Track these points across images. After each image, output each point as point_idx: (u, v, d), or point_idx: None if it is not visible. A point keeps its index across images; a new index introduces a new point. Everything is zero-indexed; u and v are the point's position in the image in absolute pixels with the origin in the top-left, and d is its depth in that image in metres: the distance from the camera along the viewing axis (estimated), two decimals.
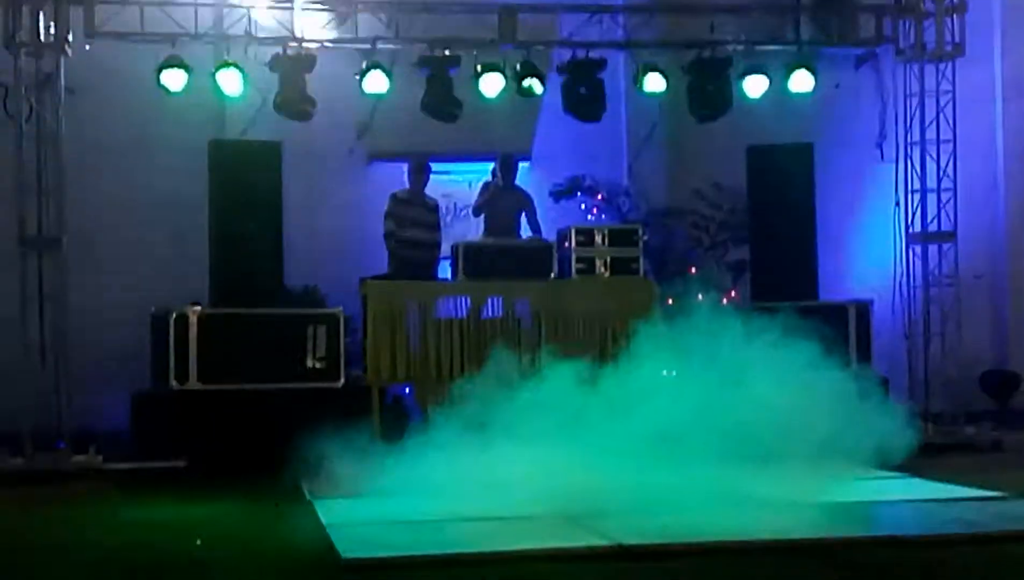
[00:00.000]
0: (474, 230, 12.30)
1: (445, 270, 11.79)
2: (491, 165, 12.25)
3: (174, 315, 10.36)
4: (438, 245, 11.81)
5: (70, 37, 10.56)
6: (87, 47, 10.81)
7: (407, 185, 11.87)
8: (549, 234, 11.77)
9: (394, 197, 11.74)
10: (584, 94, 11.99)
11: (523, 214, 12.02)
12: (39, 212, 10.29)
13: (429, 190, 11.95)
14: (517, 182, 12.19)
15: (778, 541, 6.33)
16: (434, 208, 11.90)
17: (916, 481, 8.42)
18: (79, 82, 11.02)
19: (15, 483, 9.57)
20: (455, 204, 12.49)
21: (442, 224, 12.07)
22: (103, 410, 10.86)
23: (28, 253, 10.29)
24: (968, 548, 6.32)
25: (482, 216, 12.08)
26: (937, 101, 12.34)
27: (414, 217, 11.66)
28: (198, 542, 6.92)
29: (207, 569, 6.17)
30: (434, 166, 12.09)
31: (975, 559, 6.07)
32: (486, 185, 12.11)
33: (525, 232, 12.03)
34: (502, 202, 11.97)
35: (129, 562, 6.38)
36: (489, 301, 10.93)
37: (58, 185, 10.34)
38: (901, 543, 6.38)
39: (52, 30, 10.40)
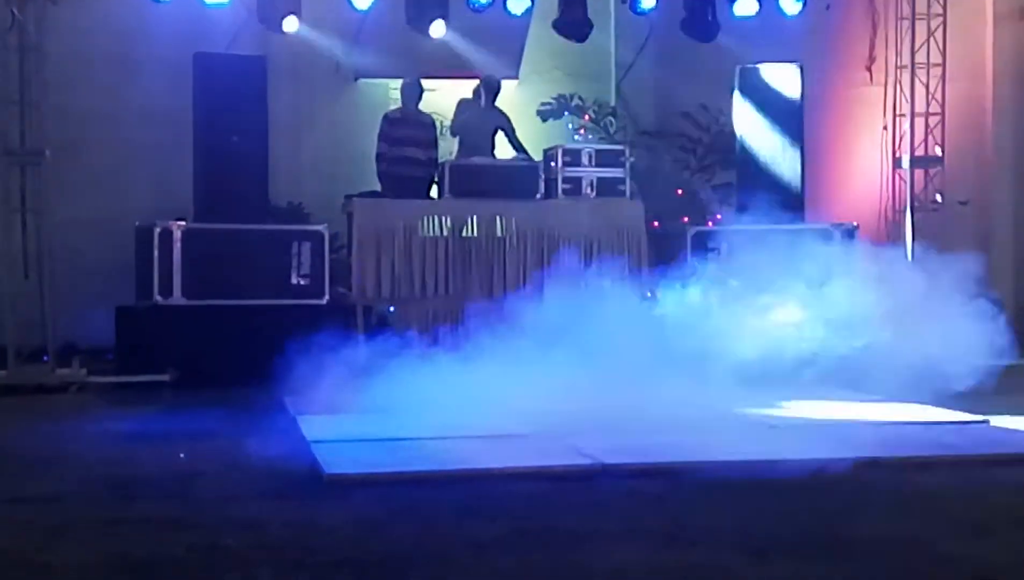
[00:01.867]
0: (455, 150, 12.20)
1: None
2: (475, 81, 12.14)
3: (158, 229, 10.33)
4: (434, 162, 11.62)
5: None
6: None
7: (400, 104, 11.76)
8: (535, 154, 11.71)
9: (386, 117, 11.63)
10: (572, 13, 11.89)
11: (501, 134, 11.90)
12: (21, 125, 10.20)
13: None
14: (503, 101, 12.09)
15: (757, 462, 6.37)
16: (430, 124, 11.78)
17: (896, 404, 8.47)
18: None
19: None
20: (441, 123, 12.38)
21: (438, 142, 11.95)
22: (87, 324, 10.83)
23: (10, 166, 10.21)
24: (946, 471, 6.37)
25: (458, 137, 11.97)
26: (928, 24, 12.29)
27: (407, 135, 11.55)
28: (181, 455, 6.95)
29: (190, 483, 6.20)
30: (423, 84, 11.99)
31: (952, 481, 6.12)
32: (463, 103, 11.99)
33: (502, 153, 11.91)
34: (479, 122, 11.85)
35: (113, 475, 6.40)
36: (474, 220, 10.90)
37: (41, 97, 10.24)
38: (878, 465, 6.43)
39: None
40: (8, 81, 10.16)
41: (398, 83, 11.86)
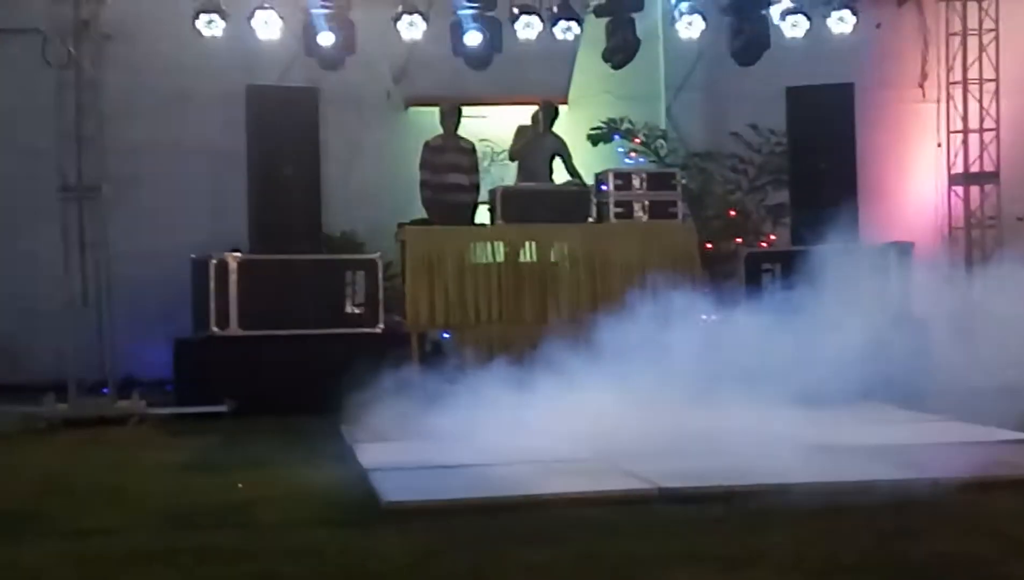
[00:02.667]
0: (512, 175, 12.24)
1: (483, 215, 11.75)
2: (527, 109, 12.16)
3: (214, 261, 10.42)
4: (476, 188, 11.71)
5: None
6: None
7: (440, 131, 11.82)
8: (587, 178, 11.71)
9: (427, 145, 11.68)
10: (620, 37, 11.91)
11: (558, 159, 11.94)
12: (79, 160, 10.32)
13: (468, 135, 11.90)
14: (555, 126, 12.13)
15: (816, 484, 6.31)
16: (471, 150, 11.82)
17: (956, 424, 8.37)
18: (117, 28, 11.03)
19: (61, 429, 9.68)
20: (492, 149, 12.43)
21: (480, 167, 12.00)
22: (146, 356, 10.96)
23: (69, 201, 10.33)
24: (1008, 491, 6.29)
25: (516, 161, 12.01)
26: (980, 39, 12.22)
27: (449, 162, 11.60)
28: (239, 486, 6.99)
29: (248, 513, 6.23)
30: (472, 111, 12.03)
31: (1015, 502, 6.04)
32: (521, 129, 12.03)
33: (559, 177, 11.95)
34: (537, 147, 11.89)
35: (172, 506, 6.45)
36: (527, 246, 10.91)
37: (97, 132, 10.36)
38: (939, 485, 6.34)
39: None
40: (65, 117, 10.30)
41: None
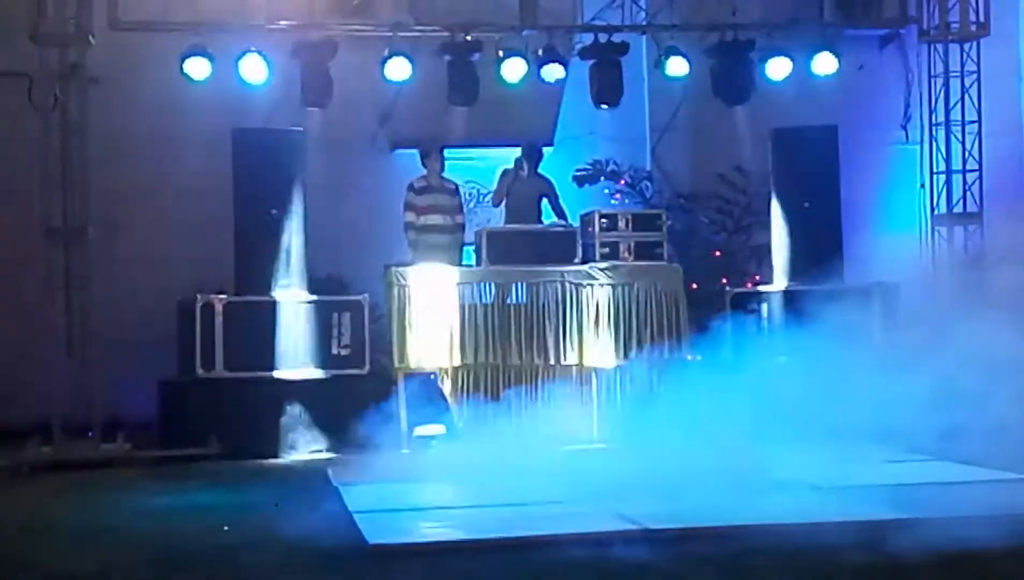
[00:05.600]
0: (498, 216, 12.25)
1: (469, 256, 11.75)
2: (513, 150, 12.19)
3: (200, 303, 10.41)
4: (461, 228, 11.69)
5: (94, 27, 10.60)
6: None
7: (423, 172, 11.84)
8: (572, 219, 11.73)
9: (410, 187, 11.67)
10: (605, 80, 11.97)
11: (545, 200, 11.96)
12: (64, 203, 10.33)
13: (454, 176, 11.92)
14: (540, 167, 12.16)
15: (802, 525, 6.31)
16: (454, 191, 11.84)
17: (941, 464, 8.38)
18: (103, 72, 11.06)
19: (45, 472, 9.63)
20: (478, 190, 12.44)
21: (464, 207, 12.01)
22: (131, 399, 10.91)
23: (54, 244, 10.33)
24: (989, 530, 6.26)
25: (503, 204, 12.02)
26: (962, 81, 12.30)
27: (432, 203, 11.61)
28: (225, 528, 6.96)
29: (234, 555, 6.21)
30: (457, 153, 12.06)
31: (996, 539, 6.02)
32: (505, 173, 12.05)
33: (547, 218, 11.96)
34: (523, 189, 11.90)
35: (158, 549, 6.42)
36: (514, 287, 10.91)
37: (83, 175, 10.37)
38: (925, 525, 6.34)
39: (76, 20, 10.43)
40: (51, 159, 10.31)
41: None
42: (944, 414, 8.11)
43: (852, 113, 12.92)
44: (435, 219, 11.59)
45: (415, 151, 12.33)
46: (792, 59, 12.02)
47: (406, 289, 10.74)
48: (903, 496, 7.23)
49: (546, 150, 12.48)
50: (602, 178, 13.36)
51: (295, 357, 10.52)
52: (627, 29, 12.10)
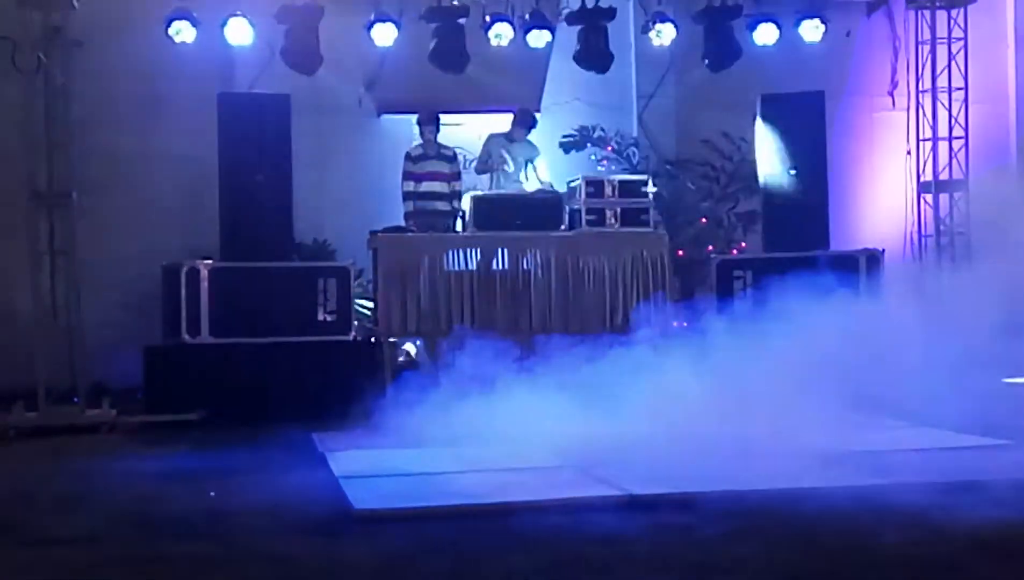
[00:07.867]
0: (484, 183, 12.21)
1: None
2: (502, 117, 12.15)
3: (185, 269, 10.39)
4: (458, 195, 11.66)
5: None
6: None
7: (419, 139, 11.80)
8: (559, 185, 11.70)
9: (408, 156, 11.64)
10: (592, 45, 11.94)
11: (531, 165, 11.93)
12: (49, 167, 10.28)
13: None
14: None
15: (783, 490, 6.34)
16: (452, 158, 11.81)
17: (924, 429, 8.42)
18: (87, 35, 10.96)
19: (30, 437, 9.62)
20: (466, 157, 12.39)
21: (462, 174, 11.96)
22: (116, 364, 10.90)
23: (38, 208, 10.29)
24: (970, 494, 6.29)
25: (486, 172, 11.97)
26: (949, 48, 12.31)
27: (432, 170, 11.59)
28: (211, 494, 6.97)
29: (219, 520, 6.22)
30: (448, 119, 12.01)
31: (974, 504, 6.05)
32: (492, 138, 12.00)
33: (530, 185, 11.92)
34: (512, 154, 11.86)
35: (143, 514, 6.43)
36: (499, 253, 10.91)
37: (67, 139, 10.32)
38: (909, 490, 6.37)
39: None
40: (35, 124, 10.25)
41: None
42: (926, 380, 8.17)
43: (839, 79, 12.93)
44: (435, 186, 11.57)
45: (402, 116, 12.30)
46: (779, 25, 12.00)
47: (392, 255, 10.73)
48: (883, 461, 7.27)
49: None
50: (588, 144, 13.33)
51: (280, 323, 10.50)
52: None
